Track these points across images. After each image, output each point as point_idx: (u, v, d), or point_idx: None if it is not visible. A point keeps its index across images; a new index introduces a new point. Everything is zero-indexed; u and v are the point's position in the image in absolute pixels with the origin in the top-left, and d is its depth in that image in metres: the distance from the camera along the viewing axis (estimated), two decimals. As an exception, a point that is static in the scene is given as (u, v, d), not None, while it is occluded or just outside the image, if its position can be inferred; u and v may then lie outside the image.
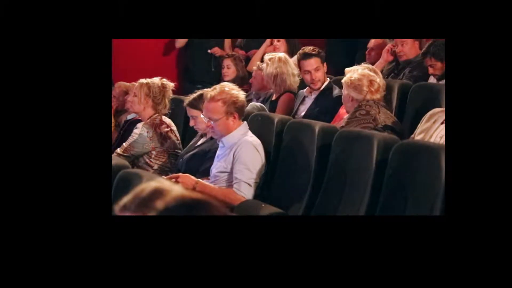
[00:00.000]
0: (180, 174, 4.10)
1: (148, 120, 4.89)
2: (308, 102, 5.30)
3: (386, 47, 5.92)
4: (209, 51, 6.92)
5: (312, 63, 5.23)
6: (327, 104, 5.11)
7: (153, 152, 4.83)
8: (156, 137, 4.83)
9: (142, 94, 4.95)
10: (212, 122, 4.11)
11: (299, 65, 5.35)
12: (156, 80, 5.03)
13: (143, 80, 5.00)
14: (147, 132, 4.82)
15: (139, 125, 4.89)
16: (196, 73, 6.94)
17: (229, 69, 6.35)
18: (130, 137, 4.87)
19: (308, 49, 5.29)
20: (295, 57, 5.54)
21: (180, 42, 7.09)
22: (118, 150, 4.84)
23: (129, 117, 5.52)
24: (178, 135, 5.02)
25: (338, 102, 5.11)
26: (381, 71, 5.40)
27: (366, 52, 6.33)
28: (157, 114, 4.94)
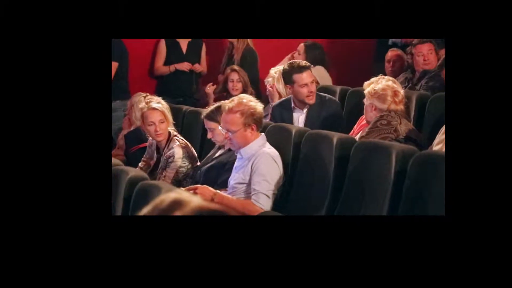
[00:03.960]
0: (199, 185, 4.10)
1: (178, 143, 4.80)
2: (299, 113, 5.15)
3: None
4: (187, 67, 6.88)
5: (308, 75, 5.04)
6: (328, 113, 5.04)
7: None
8: (188, 157, 4.82)
9: (170, 117, 4.92)
10: (230, 134, 4.11)
11: (291, 79, 5.06)
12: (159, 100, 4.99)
13: (156, 105, 4.89)
14: (186, 153, 4.78)
15: (177, 149, 4.77)
16: (176, 88, 6.88)
17: (238, 83, 6.35)
18: (172, 164, 4.72)
19: (299, 62, 5.13)
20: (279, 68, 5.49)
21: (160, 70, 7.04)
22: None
23: (125, 132, 5.58)
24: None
25: (331, 103, 5.09)
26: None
27: (384, 65, 6.33)
28: (173, 135, 4.87)
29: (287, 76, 5.13)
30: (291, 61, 5.28)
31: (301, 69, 5.04)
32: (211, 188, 4.04)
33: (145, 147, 5.16)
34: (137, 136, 5.39)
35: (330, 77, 6.56)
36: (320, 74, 6.41)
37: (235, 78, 6.35)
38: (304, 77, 5.02)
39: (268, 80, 5.75)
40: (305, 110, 5.11)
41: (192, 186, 4.10)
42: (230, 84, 6.34)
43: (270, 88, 5.71)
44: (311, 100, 5.06)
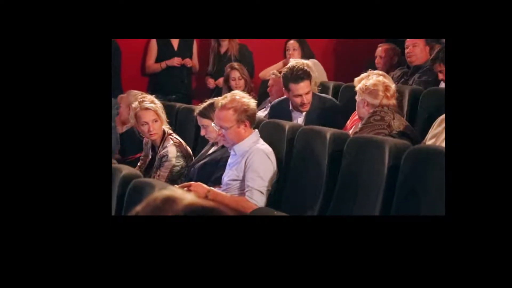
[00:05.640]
0: (192, 182, 4.10)
1: (172, 142, 4.78)
2: (298, 115, 5.12)
3: None
4: (179, 62, 6.89)
5: (304, 87, 4.95)
6: (325, 115, 5.00)
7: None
8: (183, 155, 4.80)
9: (163, 116, 4.89)
10: (223, 130, 4.11)
11: (287, 86, 5.00)
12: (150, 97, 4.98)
13: (149, 105, 4.86)
14: (181, 152, 4.77)
15: (171, 148, 4.76)
16: (168, 85, 6.88)
17: (240, 80, 6.35)
18: (166, 163, 4.71)
19: (297, 70, 4.95)
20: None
21: (151, 67, 7.05)
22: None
23: (122, 130, 5.57)
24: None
25: (331, 106, 5.08)
26: (391, 78, 5.40)
27: (375, 60, 6.34)
28: (168, 133, 4.86)
29: (285, 81, 5.03)
30: (291, 65, 5.08)
31: (297, 80, 4.93)
32: (204, 185, 4.04)
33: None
34: (133, 135, 5.39)
35: (323, 70, 6.57)
36: (318, 69, 6.42)
37: (237, 76, 6.35)
38: (299, 88, 4.95)
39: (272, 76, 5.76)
40: (304, 113, 5.08)
41: (186, 183, 4.10)
42: (232, 83, 6.34)
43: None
44: (305, 109, 5.02)
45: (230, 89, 6.22)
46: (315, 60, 6.48)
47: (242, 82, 6.32)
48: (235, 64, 6.46)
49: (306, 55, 6.58)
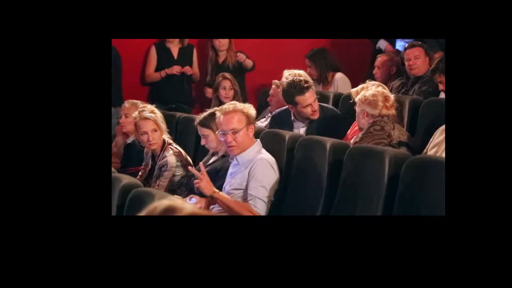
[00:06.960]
0: (204, 177, 4.05)
1: (171, 152, 4.77)
2: (300, 125, 5.12)
3: None
4: (178, 70, 6.90)
5: (311, 96, 4.92)
6: (326, 125, 4.99)
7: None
8: (182, 165, 4.79)
9: (163, 126, 4.88)
10: (232, 135, 4.09)
11: (293, 101, 4.96)
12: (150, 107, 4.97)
13: (148, 115, 4.85)
14: (180, 161, 4.76)
15: (170, 158, 4.75)
16: (168, 93, 6.88)
17: (231, 90, 6.36)
18: (166, 173, 4.70)
19: (299, 82, 4.90)
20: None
21: (151, 76, 7.06)
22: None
23: (129, 141, 5.56)
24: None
25: (333, 115, 5.08)
26: (390, 88, 5.41)
27: (373, 71, 6.35)
28: (168, 143, 4.85)
29: (288, 97, 4.98)
30: (290, 80, 4.99)
31: (302, 90, 4.89)
32: (212, 185, 4.04)
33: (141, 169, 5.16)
34: (137, 146, 5.38)
35: (349, 82, 6.56)
36: (343, 82, 6.44)
37: (227, 85, 6.36)
38: (307, 98, 4.92)
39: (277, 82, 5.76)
40: (306, 122, 5.06)
41: (199, 175, 4.06)
42: (222, 92, 6.35)
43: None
44: (316, 116, 4.99)
45: (218, 99, 6.25)
46: (340, 74, 6.51)
47: (231, 92, 6.33)
48: (227, 74, 6.47)
49: (325, 68, 6.57)
